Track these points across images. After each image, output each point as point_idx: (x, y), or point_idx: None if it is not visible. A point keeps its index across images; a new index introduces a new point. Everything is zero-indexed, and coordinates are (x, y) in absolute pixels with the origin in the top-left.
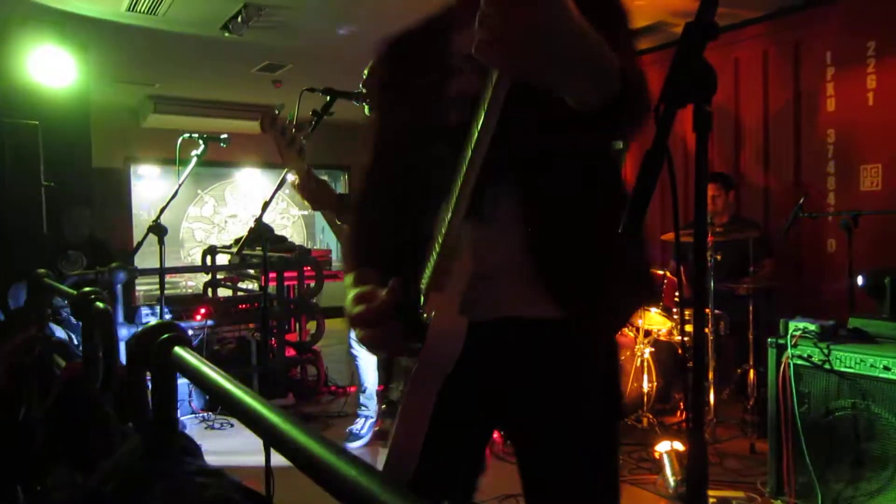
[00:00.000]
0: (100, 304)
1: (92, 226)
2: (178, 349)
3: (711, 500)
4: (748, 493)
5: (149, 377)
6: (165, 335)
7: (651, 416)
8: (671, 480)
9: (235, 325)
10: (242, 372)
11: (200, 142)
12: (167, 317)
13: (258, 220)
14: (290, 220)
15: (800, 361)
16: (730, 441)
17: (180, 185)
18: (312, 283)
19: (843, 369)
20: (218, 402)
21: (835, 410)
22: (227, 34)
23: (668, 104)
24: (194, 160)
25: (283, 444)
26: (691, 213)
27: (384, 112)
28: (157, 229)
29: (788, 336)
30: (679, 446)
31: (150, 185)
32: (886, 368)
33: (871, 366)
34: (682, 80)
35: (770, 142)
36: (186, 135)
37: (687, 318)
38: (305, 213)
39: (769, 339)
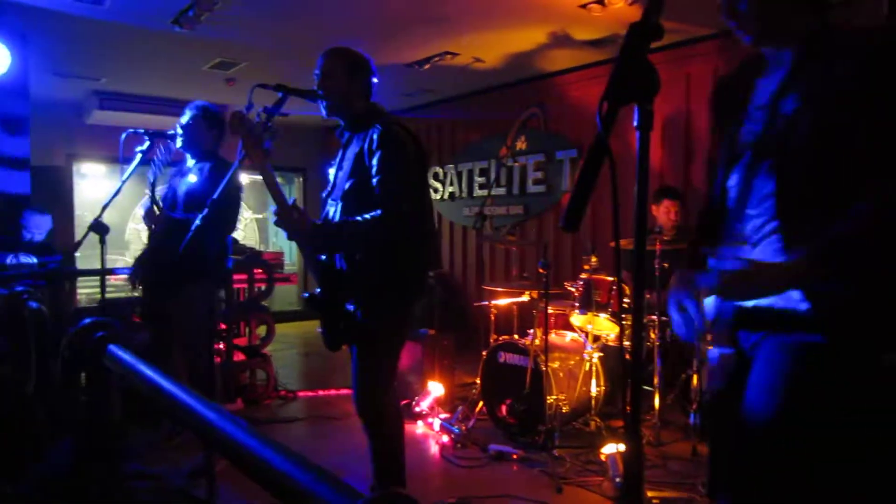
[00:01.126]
0: (32, 305)
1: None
2: (113, 348)
3: (654, 500)
4: (689, 494)
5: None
6: (100, 333)
7: (598, 420)
8: (616, 482)
9: None
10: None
11: (146, 138)
12: None
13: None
14: (243, 222)
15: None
16: (673, 444)
17: (123, 183)
18: (263, 287)
19: None
20: (155, 403)
21: None
22: (177, 28)
23: (611, 103)
24: (138, 157)
25: (221, 441)
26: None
27: (715, 144)
28: (98, 228)
29: None
30: (624, 449)
31: (94, 185)
32: None
33: None
34: (626, 79)
35: None
36: (131, 130)
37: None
38: (259, 216)
39: None
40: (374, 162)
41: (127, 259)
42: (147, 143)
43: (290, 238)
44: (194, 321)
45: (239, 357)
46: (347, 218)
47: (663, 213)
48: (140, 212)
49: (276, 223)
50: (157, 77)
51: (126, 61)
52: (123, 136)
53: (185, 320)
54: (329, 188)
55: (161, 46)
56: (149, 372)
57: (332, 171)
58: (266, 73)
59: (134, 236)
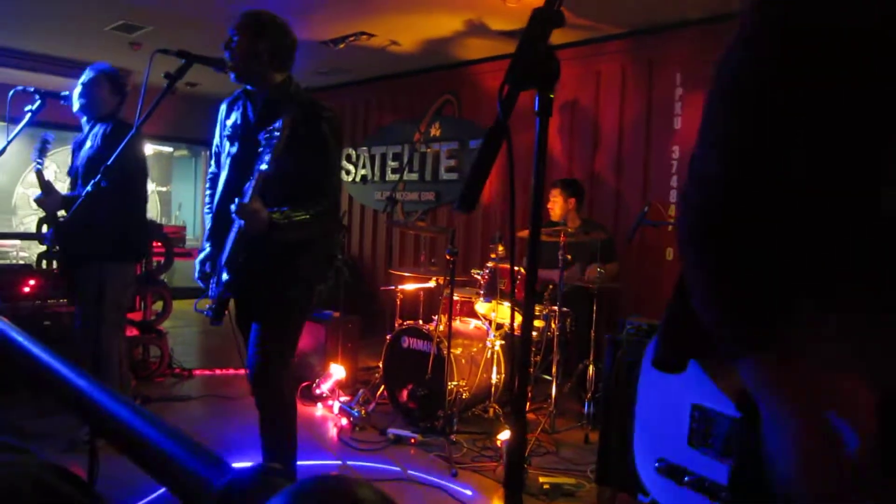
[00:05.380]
0: None
1: None
2: None
3: (545, 485)
4: (578, 480)
5: None
6: None
7: (497, 407)
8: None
9: (70, 300)
10: (75, 350)
11: (36, 96)
12: None
13: (96, 184)
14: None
15: (633, 358)
16: (567, 431)
17: (9, 143)
18: (161, 261)
19: None
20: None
21: None
22: None
23: (512, 87)
24: (27, 116)
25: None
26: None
27: None
28: None
29: (624, 333)
30: None
31: None
32: None
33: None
34: (527, 65)
35: (623, 152)
36: (20, 88)
37: (536, 313)
38: (162, 188)
39: (607, 336)
40: (305, 147)
41: (13, 225)
42: (38, 103)
43: (246, 230)
44: (106, 298)
45: (132, 332)
46: (296, 212)
47: (549, 200)
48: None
49: (238, 214)
50: (52, 34)
51: (18, 16)
52: (11, 93)
53: (98, 297)
54: (228, 157)
55: (59, 2)
56: (18, 338)
57: (230, 123)
58: (171, 40)
59: (23, 201)
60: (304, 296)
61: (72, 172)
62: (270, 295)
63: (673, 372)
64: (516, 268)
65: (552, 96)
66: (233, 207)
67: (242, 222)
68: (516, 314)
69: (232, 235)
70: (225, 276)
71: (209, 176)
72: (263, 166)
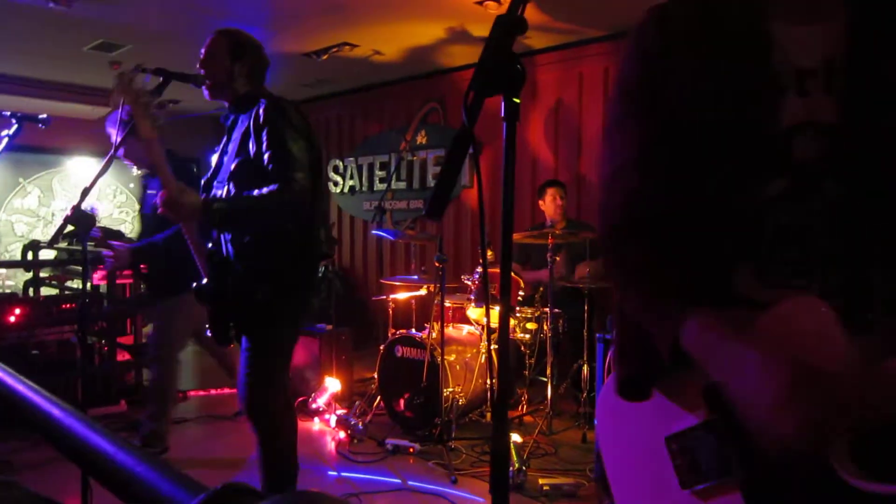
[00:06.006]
0: None
1: None
2: None
3: (545, 486)
4: (577, 479)
5: None
6: None
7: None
8: (509, 471)
9: (58, 328)
10: (65, 378)
11: (13, 121)
12: None
13: (76, 208)
14: (131, 214)
15: None
16: (564, 432)
17: None
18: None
19: None
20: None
21: None
22: (52, 4)
23: (478, 93)
24: (5, 141)
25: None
26: (539, 217)
27: None
28: None
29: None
30: (518, 438)
31: None
32: None
33: None
34: (492, 71)
35: None
36: None
37: (528, 315)
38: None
39: (597, 336)
40: (264, 136)
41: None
42: (15, 127)
43: (178, 221)
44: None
45: (124, 356)
46: (241, 193)
47: (549, 201)
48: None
49: (164, 205)
50: (30, 56)
51: None
52: None
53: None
54: (210, 172)
55: (34, 23)
56: None
57: (215, 157)
58: (152, 58)
59: (6, 228)
60: (290, 303)
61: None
62: (251, 303)
63: (638, 400)
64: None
65: (518, 101)
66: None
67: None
68: (511, 319)
69: (189, 245)
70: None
71: None
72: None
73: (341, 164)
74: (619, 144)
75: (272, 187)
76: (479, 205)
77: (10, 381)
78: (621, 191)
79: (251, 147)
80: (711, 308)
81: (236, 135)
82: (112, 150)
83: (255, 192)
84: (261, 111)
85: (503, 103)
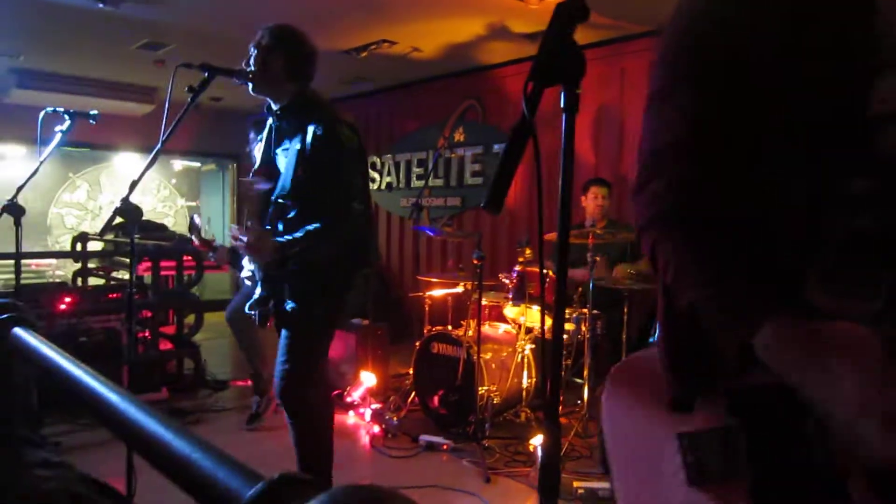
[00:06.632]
0: None
1: None
2: (17, 330)
3: (580, 490)
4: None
5: None
6: (4, 315)
7: (528, 411)
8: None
9: (105, 316)
10: (110, 365)
11: (66, 117)
12: None
13: (125, 201)
14: (173, 209)
15: None
16: (601, 435)
17: (41, 163)
18: (192, 274)
19: None
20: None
21: None
22: (101, 5)
23: (537, 83)
24: (58, 137)
25: (126, 427)
26: (577, 215)
27: None
28: (13, 209)
29: (656, 336)
30: None
31: (12, 167)
32: None
33: None
34: (552, 60)
35: None
36: (50, 109)
37: (566, 316)
38: (191, 203)
39: (634, 338)
40: (320, 161)
41: (49, 244)
42: (67, 123)
43: (260, 262)
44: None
45: (166, 346)
46: (302, 230)
47: (591, 199)
48: None
49: (249, 250)
50: (80, 56)
51: (46, 38)
52: (41, 115)
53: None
54: (259, 168)
55: (84, 23)
56: (52, 355)
57: (259, 152)
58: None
59: (57, 221)
60: (331, 309)
61: None
62: (297, 308)
63: (686, 411)
64: (545, 270)
65: (578, 92)
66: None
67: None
68: (548, 319)
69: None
70: (259, 291)
71: None
72: (276, 190)
73: (379, 160)
74: (665, 118)
75: (329, 220)
76: (537, 198)
77: (69, 366)
78: (669, 175)
79: (306, 167)
80: (792, 317)
81: (292, 147)
82: (159, 144)
83: (315, 226)
84: (319, 134)
85: (563, 93)
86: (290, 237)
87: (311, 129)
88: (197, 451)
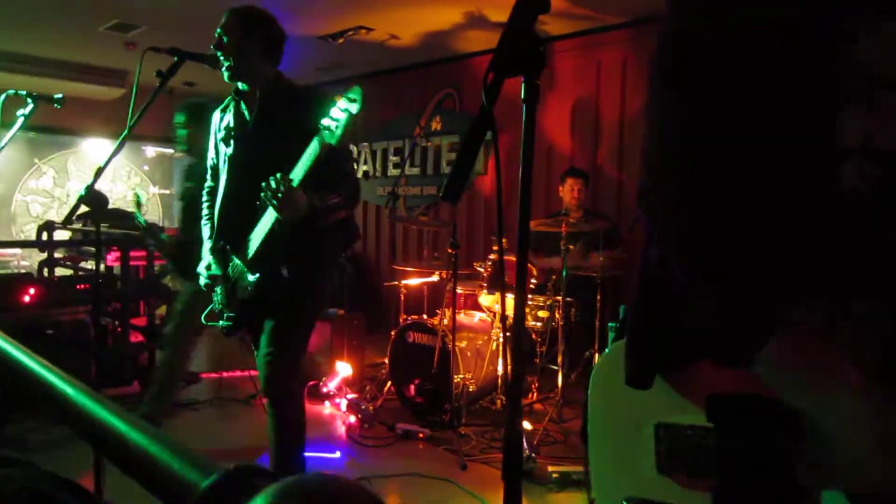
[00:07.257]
0: None
1: None
2: None
3: (555, 475)
4: (587, 468)
5: None
6: None
7: (504, 399)
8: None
9: (72, 308)
10: (79, 358)
11: (28, 100)
12: None
13: (89, 188)
14: (146, 196)
15: None
16: (574, 420)
17: (1, 149)
18: (164, 264)
19: None
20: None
21: None
22: None
23: (497, 74)
24: (20, 121)
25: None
26: (553, 205)
27: None
28: None
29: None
30: (528, 426)
31: None
32: None
33: None
34: (512, 51)
35: (625, 141)
36: (11, 91)
37: (540, 303)
38: (166, 191)
39: (609, 324)
40: (341, 145)
41: (13, 234)
42: (31, 107)
43: (290, 218)
44: None
45: (137, 338)
46: (330, 196)
47: (567, 191)
48: None
49: (282, 198)
50: (46, 36)
51: (8, 17)
52: (2, 97)
53: None
54: (226, 159)
55: (49, 3)
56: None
57: (227, 122)
58: (168, 39)
59: (21, 209)
60: (326, 284)
61: None
62: (297, 285)
63: (642, 388)
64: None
65: (538, 83)
66: (264, 194)
67: (276, 214)
68: (508, 302)
69: (260, 230)
70: (251, 277)
71: (206, 189)
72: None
73: (355, 148)
74: (661, 124)
75: (344, 192)
76: (497, 189)
77: (25, 359)
78: (675, 179)
79: (295, 142)
80: (795, 334)
81: (279, 125)
82: (125, 131)
83: (336, 198)
84: (313, 109)
85: (523, 84)
86: (318, 196)
87: (307, 106)
88: (154, 444)
